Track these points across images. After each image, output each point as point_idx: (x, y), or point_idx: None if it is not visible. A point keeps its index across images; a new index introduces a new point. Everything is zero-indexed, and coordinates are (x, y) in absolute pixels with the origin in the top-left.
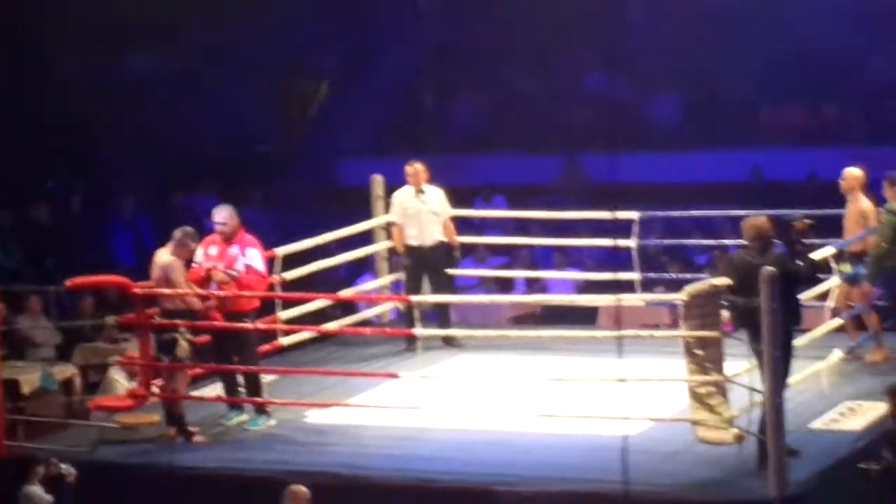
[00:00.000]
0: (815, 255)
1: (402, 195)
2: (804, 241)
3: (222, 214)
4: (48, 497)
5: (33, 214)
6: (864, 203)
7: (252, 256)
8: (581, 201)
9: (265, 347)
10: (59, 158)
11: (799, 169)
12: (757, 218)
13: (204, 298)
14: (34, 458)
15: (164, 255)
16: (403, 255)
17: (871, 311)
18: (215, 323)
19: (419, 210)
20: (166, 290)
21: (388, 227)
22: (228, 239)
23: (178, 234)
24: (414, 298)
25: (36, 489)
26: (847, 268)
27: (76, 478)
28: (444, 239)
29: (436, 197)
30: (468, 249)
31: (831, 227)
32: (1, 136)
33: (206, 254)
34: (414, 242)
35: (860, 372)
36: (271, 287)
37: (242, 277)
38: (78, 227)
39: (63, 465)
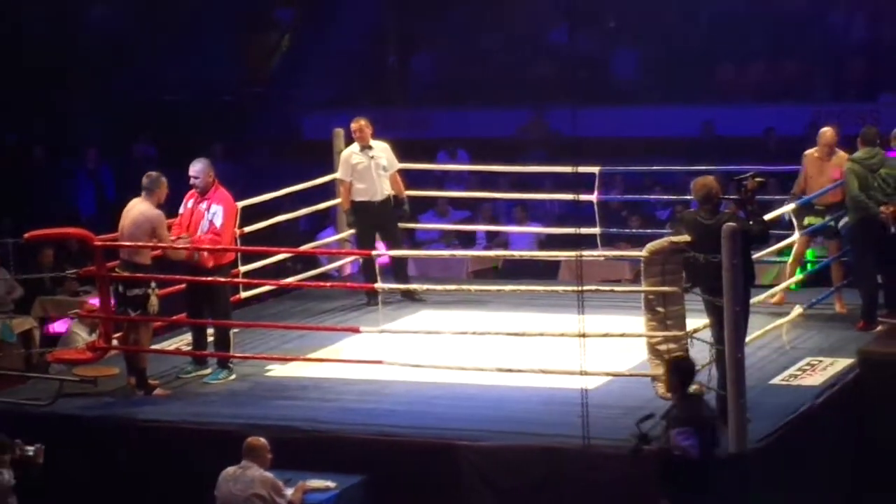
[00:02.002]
0: (787, 207)
1: (350, 152)
2: (755, 198)
3: (194, 168)
4: (12, 480)
5: None
6: (844, 155)
7: (215, 213)
8: (543, 155)
9: None
10: (21, 109)
11: (757, 125)
12: (705, 178)
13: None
14: (2, 444)
15: (143, 207)
16: (348, 212)
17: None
18: (180, 277)
19: (367, 165)
20: (127, 244)
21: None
22: (203, 193)
23: (146, 182)
24: (375, 252)
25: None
26: (817, 220)
27: (42, 456)
28: (393, 193)
29: (383, 152)
30: (430, 203)
31: (786, 184)
32: None
33: (184, 206)
34: (364, 198)
35: (821, 328)
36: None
37: (211, 237)
38: (40, 178)
39: (29, 448)
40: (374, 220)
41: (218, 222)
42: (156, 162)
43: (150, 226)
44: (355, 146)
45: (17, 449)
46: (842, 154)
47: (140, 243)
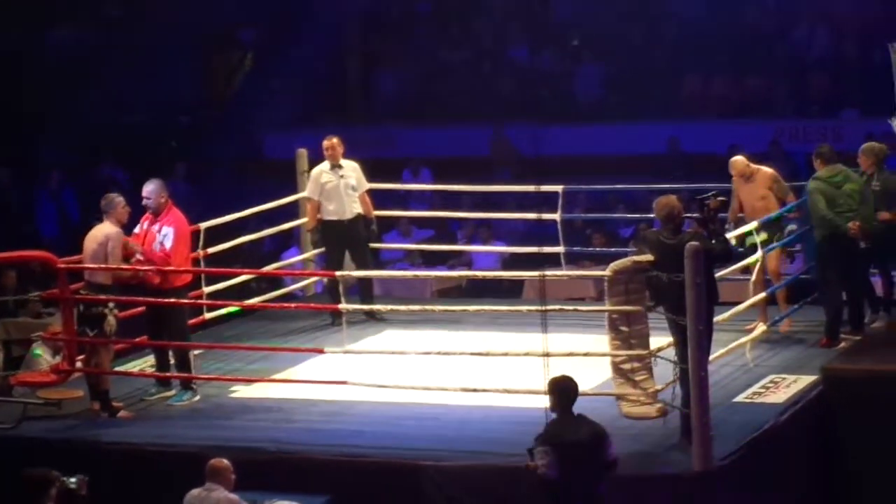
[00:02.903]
0: (731, 233)
1: (320, 170)
2: (718, 218)
3: (147, 189)
4: None
5: None
6: (768, 169)
7: (165, 234)
8: (508, 174)
9: (190, 322)
10: None
11: (721, 141)
12: (668, 198)
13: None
14: (47, 479)
15: (104, 227)
16: (314, 231)
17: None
18: (138, 299)
19: (337, 184)
20: (91, 265)
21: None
22: (156, 214)
23: (103, 204)
24: (339, 273)
25: None
26: (763, 237)
27: (86, 487)
28: (362, 212)
29: (352, 171)
30: (393, 223)
31: None
32: None
33: (140, 226)
34: (333, 217)
35: (784, 345)
36: (196, 262)
37: (160, 257)
38: (3, 200)
39: (71, 480)
40: (343, 239)
41: (168, 244)
42: (122, 184)
43: (106, 242)
44: (325, 164)
45: (61, 483)
46: (763, 170)
47: (90, 265)
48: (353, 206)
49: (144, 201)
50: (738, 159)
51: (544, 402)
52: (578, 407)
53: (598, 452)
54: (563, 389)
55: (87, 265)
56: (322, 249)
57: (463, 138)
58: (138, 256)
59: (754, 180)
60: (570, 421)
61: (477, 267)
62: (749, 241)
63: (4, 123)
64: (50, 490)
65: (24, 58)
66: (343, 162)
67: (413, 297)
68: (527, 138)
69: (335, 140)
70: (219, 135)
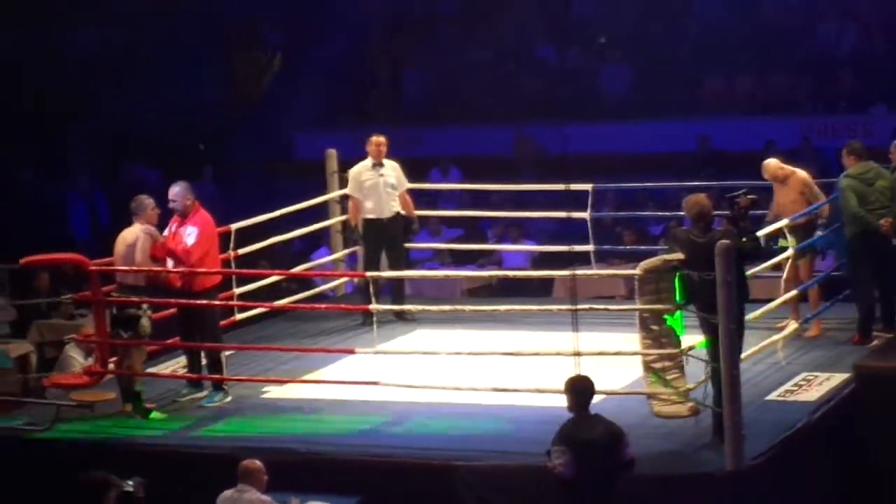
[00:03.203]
0: (762, 232)
1: (360, 168)
2: (748, 216)
3: (172, 192)
4: None
5: None
6: (801, 173)
7: (189, 234)
8: (535, 173)
9: (221, 323)
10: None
11: (749, 138)
12: (697, 196)
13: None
14: (106, 483)
15: (135, 229)
16: (355, 228)
17: (815, 285)
18: (170, 301)
19: (377, 183)
20: (123, 268)
21: (342, 201)
22: (183, 216)
23: (133, 206)
24: (369, 273)
25: None
26: (791, 241)
27: (143, 490)
28: (402, 212)
29: (392, 170)
30: (422, 222)
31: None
32: None
33: (168, 229)
34: (372, 216)
35: (816, 343)
36: (226, 263)
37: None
38: (32, 202)
39: (129, 483)
40: (381, 237)
41: (189, 242)
42: (152, 185)
43: (135, 241)
44: (366, 162)
45: (120, 487)
46: (797, 174)
47: (122, 267)
48: (392, 205)
49: (171, 204)
50: (771, 162)
51: None
52: (609, 405)
53: (614, 452)
54: (579, 389)
55: (117, 267)
56: (353, 249)
57: (488, 137)
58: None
59: (787, 183)
60: (585, 420)
61: (507, 266)
62: (781, 243)
63: (33, 124)
64: (109, 493)
65: (52, 58)
66: (384, 161)
67: (443, 297)
68: (552, 137)
69: (382, 138)
70: (247, 135)
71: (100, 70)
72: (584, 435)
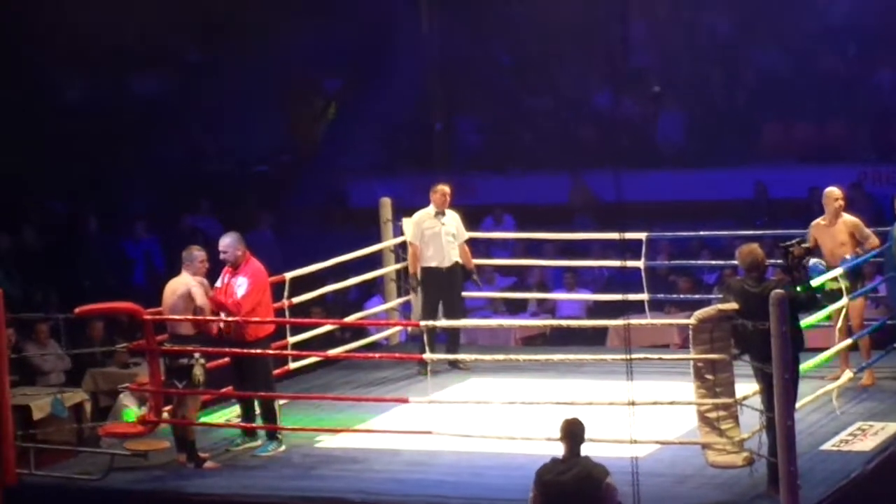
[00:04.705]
0: (818, 279)
1: (422, 216)
2: (802, 265)
3: (223, 243)
4: None
5: (29, 237)
6: (851, 217)
7: (240, 285)
8: (590, 221)
9: (275, 372)
10: (66, 182)
11: (804, 186)
12: (750, 246)
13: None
14: None
15: (183, 278)
16: (413, 276)
17: (866, 333)
18: (223, 350)
19: (438, 231)
20: (177, 317)
21: (398, 249)
22: (235, 266)
23: (185, 254)
24: (423, 323)
25: None
26: (843, 284)
27: None
28: (461, 261)
29: (453, 220)
30: (476, 271)
31: None
32: (4, 157)
33: (221, 280)
34: (432, 264)
35: (871, 392)
36: (280, 312)
37: (231, 305)
38: (90, 250)
39: None
40: (441, 286)
41: (240, 293)
42: (207, 233)
43: (187, 292)
44: (429, 210)
45: None
46: (847, 217)
47: (180, 316)
48: (452, 254)
49: (221, 255)
50: (835, 190)
51: (630, 450)
52: (664, 455)
53: (587, 497)
54: (569, 433)
55: (170, 316)
56: (407, 298)
57: (543, 186)
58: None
59: (835, 225)
60: (564, 462)
61: (561, 314)
62: (829, 285)
63: (92, 173)
64: None
65: (110, 107)
66: (445, 210)
67: (497, 346)
68: (608, 185)
69: (446, 188)
70: (303, 183)
71: (158, 117)
72: (555, 477)
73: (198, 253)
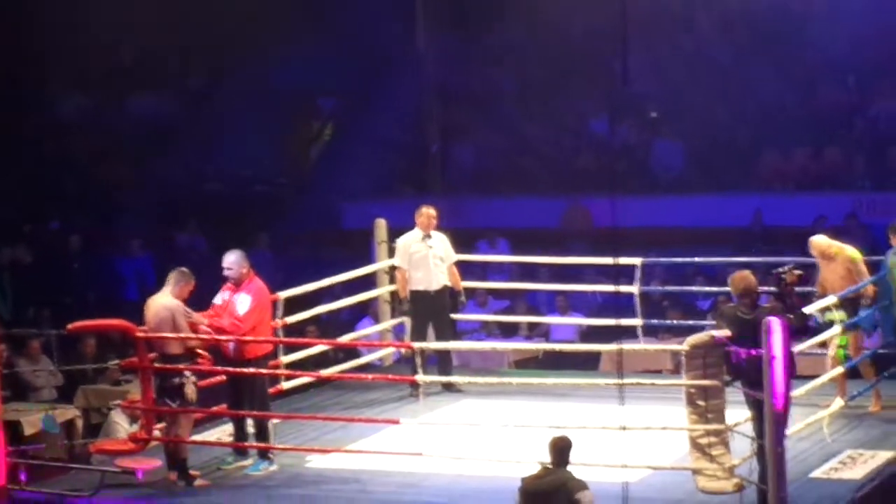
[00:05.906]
0: (810, 307)
1: (409, 239)
2: (795, 292)
3: (228, 260)
4: None
5: (22, 254)
6: (849, 250)
7: (241, 302)
8: (584, 246)
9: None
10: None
11: (800, 214)
12: (742, 273)
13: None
14: None
15: (163, 299)
16: (404, 300)
17: (868, 361)
18: (217, 369)
19: (426, 255)
20: (168, 335)
21: (391, 271)
22: (237, 284)
23: (173, 274)
24: (416, 345)
25: None
26: (841, 315)
27: None
28: (449, 284)
29: (441, 242)
30: (469, 293)
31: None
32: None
33: (220, 297)
34: (420, 287)
35: (862, 420)
36: (274, 332)
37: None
38: (81, 267)
39: None
40: (429, 309)
41: (240, 311)
42: (201, 252)
43: (171, 316)
44: (415, 233)
45: None
46: (845, 252)
47: (168, 334)
48: (440, 277)
49: (226, 271)
50: (818, 239)
51: (621, 475)
52: (655, 480)
53: (556, 497)
54: (556, 447)
55: (163, 335)
56: (401, 320)
57: (537, 210)
58: (203, 327)
59: (836, 260)
60: (546, 471)
61: (554, 338)
62: (828, 316)
63: (87, 191)
64: None
65: (106, 126)
66: (432, 232)
67: (490, 368)
68: (602, 210)
69: (432, 211)
70: (298, 204)
71: (154, 137)
72: (533, 481)
73: (188, 280)
